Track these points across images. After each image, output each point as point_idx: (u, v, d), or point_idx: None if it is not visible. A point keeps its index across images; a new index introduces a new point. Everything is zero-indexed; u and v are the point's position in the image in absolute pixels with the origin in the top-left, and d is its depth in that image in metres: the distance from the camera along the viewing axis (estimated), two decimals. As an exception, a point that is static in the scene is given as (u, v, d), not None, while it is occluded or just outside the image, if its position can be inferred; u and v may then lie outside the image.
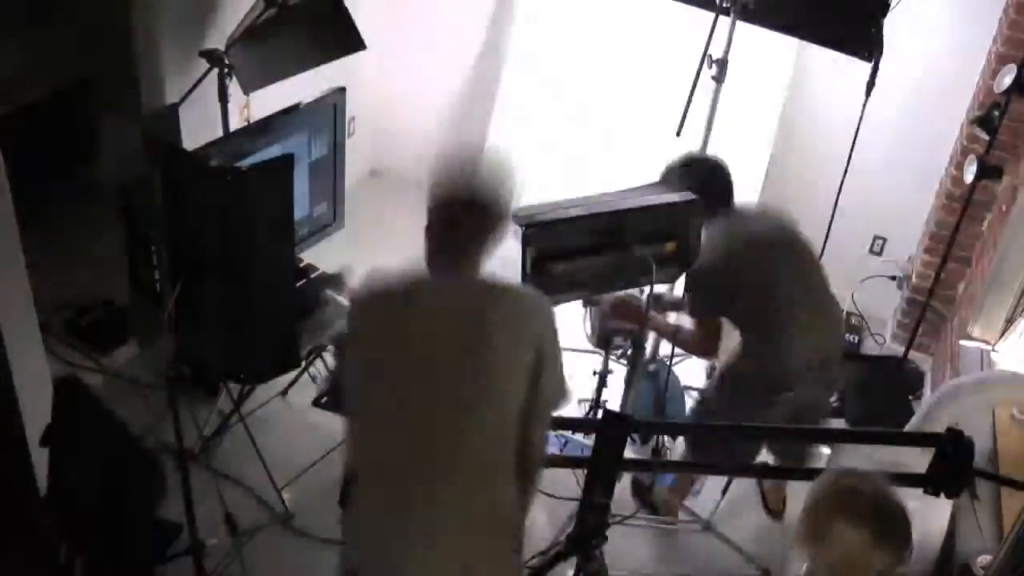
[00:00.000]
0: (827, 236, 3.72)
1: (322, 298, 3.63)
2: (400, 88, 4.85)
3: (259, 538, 3.07)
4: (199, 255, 2.37)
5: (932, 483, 1.77)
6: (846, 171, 3.53)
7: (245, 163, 2.90)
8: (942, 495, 1.83)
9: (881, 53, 3.14)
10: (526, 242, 2.37)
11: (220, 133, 3.25)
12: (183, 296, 2.40)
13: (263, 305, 2.44)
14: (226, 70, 3.22)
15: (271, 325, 2.48)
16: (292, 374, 3.54)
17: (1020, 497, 2.31)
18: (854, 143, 3.50)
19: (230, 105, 3.25)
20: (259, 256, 2.38)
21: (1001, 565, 2.14)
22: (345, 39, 3.20)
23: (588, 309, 3.44)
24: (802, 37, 3.51)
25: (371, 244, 4.30)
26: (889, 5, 3.05)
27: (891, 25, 3.22)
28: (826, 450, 3.34)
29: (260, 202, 2.32)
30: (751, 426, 2.62)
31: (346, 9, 3.23)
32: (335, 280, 3.56)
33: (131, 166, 3.68)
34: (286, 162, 2.34)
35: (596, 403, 3.60)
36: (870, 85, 3.32)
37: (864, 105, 3.43)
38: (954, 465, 1.75)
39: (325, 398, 3.36)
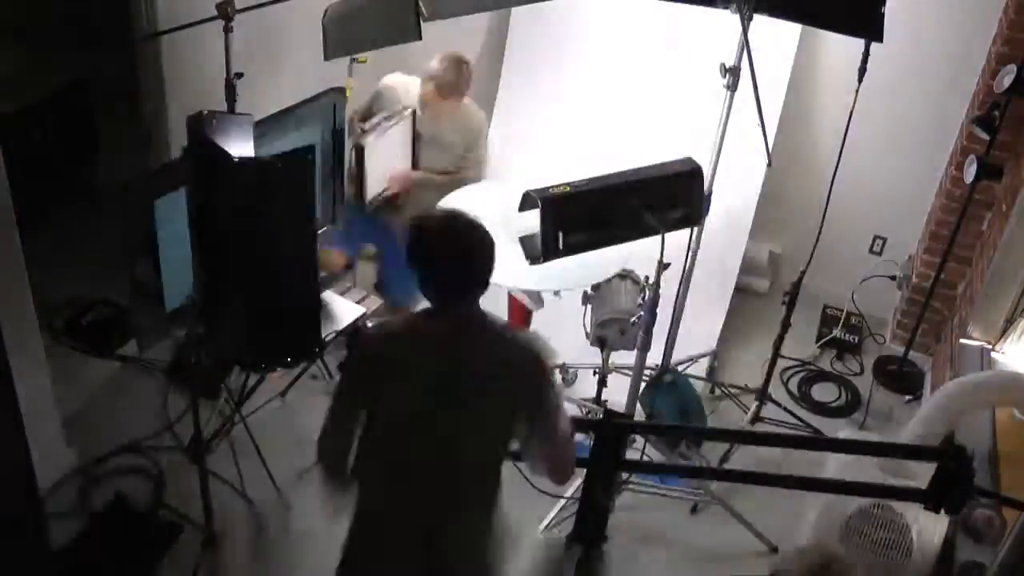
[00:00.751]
0: (819, 235, 3.73)
1: (323, 299, 3.63)
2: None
3: (256, 537, 3.07)
4: (224, 247, 2.42)
5: (933, 499, 1.76)
6: (837, 166, 3.54)
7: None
8: (942, 511, 1.83)
9: (881, 38, 3.18)
10: (544, 215, 2.55)
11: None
12: (206, 289, 2.44)
13: (288, 291, 2.49)
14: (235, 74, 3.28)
15: (295, 312, 2.53)
16: (292, 374, 3.55)
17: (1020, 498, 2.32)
18: (846, 134, 3.50)
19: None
20: (283, 245, 2.43)
21: (1001, 567, 2.14)
22: (414, 27, 3.41)
23: (587, 307, 3.45)
24: (811, 23, 3.55)
25: (371, 244, 4.31)
26: None
27: (892, 25, 3.22)
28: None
29: (284, 191, 2.37)
30: (748, 432, 2.62)
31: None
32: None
33: (130, 166, 3.69)
34: (308, 151, 2.39)
35: (596, 403, 3.60)
36: (862, 71, 3.36)
37: (856, 91, 3.44)
38: (955, 482, 1.73)
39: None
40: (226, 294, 2.49)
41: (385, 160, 3.60)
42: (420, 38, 3.57)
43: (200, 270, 2.47)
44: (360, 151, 3.45)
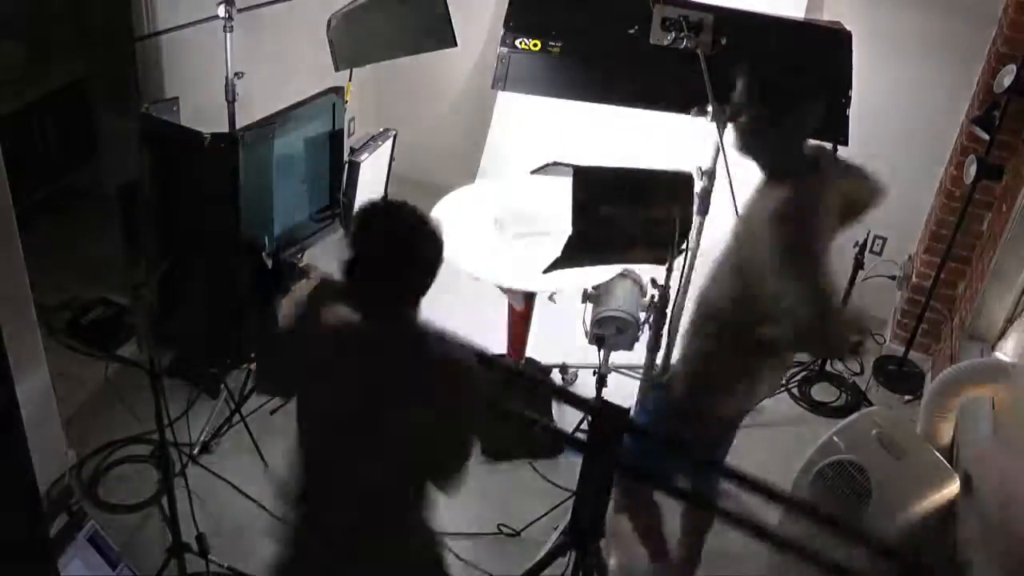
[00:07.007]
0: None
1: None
2: (399, 87, 4.86)
3: (257, 537, 3.07)
4: (180, 232, 2.41)
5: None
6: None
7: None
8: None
9: (847, 142, 3.25)
10: (575, 183, 2.61)
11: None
12: (169, 281, 2.43)
13: (222, 284, 2.48)
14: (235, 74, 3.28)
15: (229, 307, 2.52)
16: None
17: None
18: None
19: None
20: (229, 227, 2.43)
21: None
22: (441, 33, 3.35)
23: (586, 306, 3.44)
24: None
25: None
26: (850, 98, 3.19)
27: (892, 25, 3.22)
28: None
29: (222, 170, 2.36)
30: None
31: (447, 3, 3.42)
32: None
33: (130, 165, 3.69)
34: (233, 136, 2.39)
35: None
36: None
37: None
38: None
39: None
40: (183, 290, 2.46)
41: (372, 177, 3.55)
42: (455, 44, 3.53)
43: (157, 259, 2.45)
44: (355, 168, 3.33)
